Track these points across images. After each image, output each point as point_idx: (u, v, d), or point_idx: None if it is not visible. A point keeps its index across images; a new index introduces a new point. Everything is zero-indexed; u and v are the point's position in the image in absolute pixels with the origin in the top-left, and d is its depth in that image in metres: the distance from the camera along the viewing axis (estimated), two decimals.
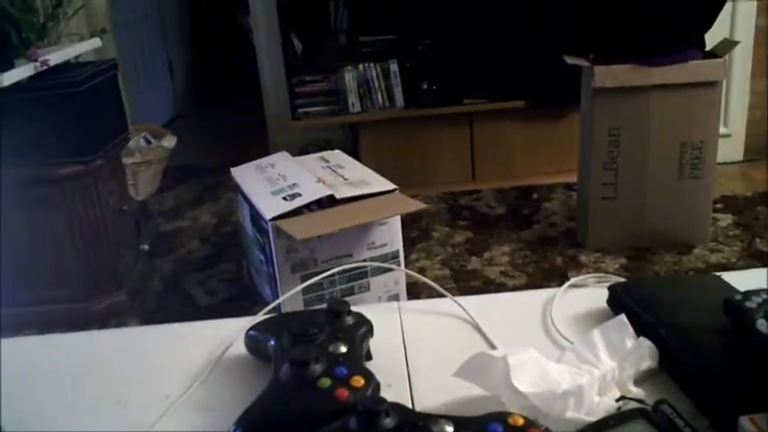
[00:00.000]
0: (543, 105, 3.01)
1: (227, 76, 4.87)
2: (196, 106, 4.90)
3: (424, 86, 2.99)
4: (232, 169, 2.17)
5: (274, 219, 1.77)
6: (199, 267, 2.56)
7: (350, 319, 0.59)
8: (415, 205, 1.92)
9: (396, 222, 1.91)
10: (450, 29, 2.96)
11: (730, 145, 3.26)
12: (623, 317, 0.58)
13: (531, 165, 3.12)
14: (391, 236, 1.91)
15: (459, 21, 2.95)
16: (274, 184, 1.96)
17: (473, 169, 3.16)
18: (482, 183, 3.12)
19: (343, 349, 0.54)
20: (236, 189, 2.11)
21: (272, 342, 0.58)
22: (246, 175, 2.10)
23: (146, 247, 2.58)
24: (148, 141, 3.27)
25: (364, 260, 1.87)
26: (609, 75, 2.27)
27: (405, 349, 0.64)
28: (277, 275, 1.81)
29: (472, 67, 3.01)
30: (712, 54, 2.30)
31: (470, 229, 2.73)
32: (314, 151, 2.78)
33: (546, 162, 3.10)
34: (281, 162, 2.15)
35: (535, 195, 2.98)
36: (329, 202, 1.84)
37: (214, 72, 5.00)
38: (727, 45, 2.30)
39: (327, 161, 2.18)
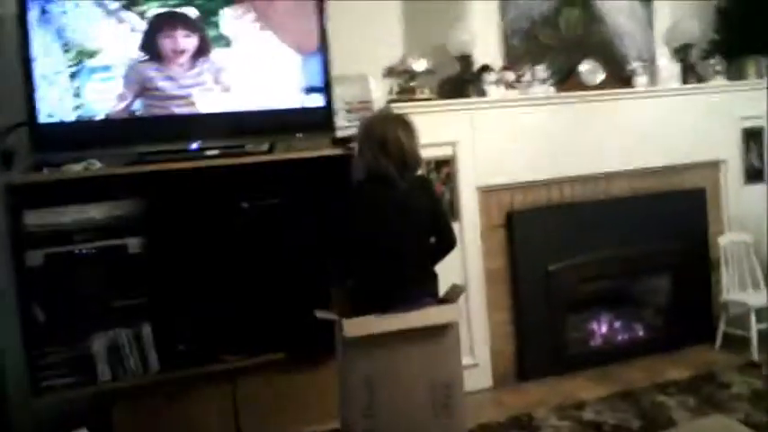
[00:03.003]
0: (303, 356, 3.07)
1: None
2: None
3: (181, 347, 2.93)
4: None
5: None
6: None
7: None
8: None
9: None
10: (203, 288, 3.00)
11: (480, 373, 3.53)
12: None
13: (298, 415, 3.08)
14: None
15: (213, 280, 3.01)
16: None
17: (238, 427, 3.04)
18: None
19: None
20: None
21: None
22: None
23: None
24: None
25: None
26: (357, 325, 2.39)
27: None
28: None
29: (229, 323, 3.02)
30: (446, 300, 2.55)
31: None
32: (64, 426, 2.55)
33: (312, 411, 3.08)
34: None
35: None
36: None
37: None
38: (457, 291, 2.58)
39: None
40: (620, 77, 3.92)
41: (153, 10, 2.92)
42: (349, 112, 3.37)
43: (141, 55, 2.93)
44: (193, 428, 2.98)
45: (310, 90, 3.20)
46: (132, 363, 2.89)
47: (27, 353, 2.80)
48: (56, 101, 2.83)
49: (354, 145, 2.64)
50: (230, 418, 3.04)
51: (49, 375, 2.81)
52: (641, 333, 3.98)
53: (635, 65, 3.93)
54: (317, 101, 3.20)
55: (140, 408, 2.91)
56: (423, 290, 2.51)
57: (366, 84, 3.45)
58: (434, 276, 2.59)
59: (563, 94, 3.73)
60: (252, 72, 3.10)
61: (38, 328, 2.80)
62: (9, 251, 2.79)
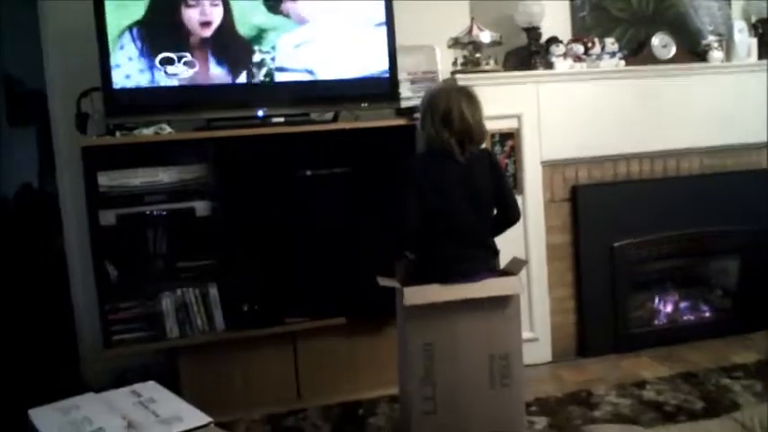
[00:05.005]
0: (363, 321, 3.11)
1: (37, 300, 4.60)
2: None
3: (245, 308, 3.00)
4: (30, 411, 2.01)
5: None
6: None
7: None
8: None
9: None
10: (269, 251, 3.06)
11: (539, 348, 3.50)
12: None
13: (355, 380, 3.14)
14: None
15: (277, 244, 3.07)
16: (78, 428, 1.84)
17: (298, 388, 3.12)
18: (308, 401, 3.09)
19: None
20: None
21: None
22: (47, 419, 1.94)
23: None
24: None
25: None
26: (417, 294, 2.41)
27: None
28: None
29: (292, 286, 3.08)
30: (507, 272, 2.54)
31: None
32: (132, 377, 2.65)
33: (370, 376, 3.14)
34: (86, 404, 2.02)
35: (361, 411, 2.98)
36: None
37: (22, 296, 4.71)
38: (518, 264, 2.55)
39: (140, 395, 2.09)
40: (693, 52, 3.80)
41: None
42: (413, 82, 3.37)
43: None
44: (256, 386, 3.07)
45: (375, 60, 3.21)
46: (199, 321, 2.98)
47: (100, 308, 2.92)
48: (128, 67, 2.92)
49: (417, 116, 2.63)
50: (291, 378, 3.12)
51: (120, 330, 2.92)
52: (708, 315, 3.87)
53: (710, 39, 3.79)
54: (381, 71, 3.21)
55: (206, 364, 3.01)
56: (482, 265, 2.49)
57: (431, 54, 3.43)
58: (495, 252, 2.57)
59: (633, 67, 3.62)
60: (318, 41, 3.12)
61: (110, 284, 2.92)
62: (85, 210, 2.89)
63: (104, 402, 2.04)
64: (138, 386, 2.17)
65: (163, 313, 2.93)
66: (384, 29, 3.21)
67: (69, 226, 3.40)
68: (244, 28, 3.04)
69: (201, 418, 1.88)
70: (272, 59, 3.07)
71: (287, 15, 3.08)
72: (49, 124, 3.47)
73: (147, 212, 2.94)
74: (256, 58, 3.05)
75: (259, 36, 3.06)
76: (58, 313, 3.77)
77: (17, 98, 5.27)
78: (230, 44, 3.03)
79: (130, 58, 2.91)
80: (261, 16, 3.05)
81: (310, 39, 3.11)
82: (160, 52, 2.94)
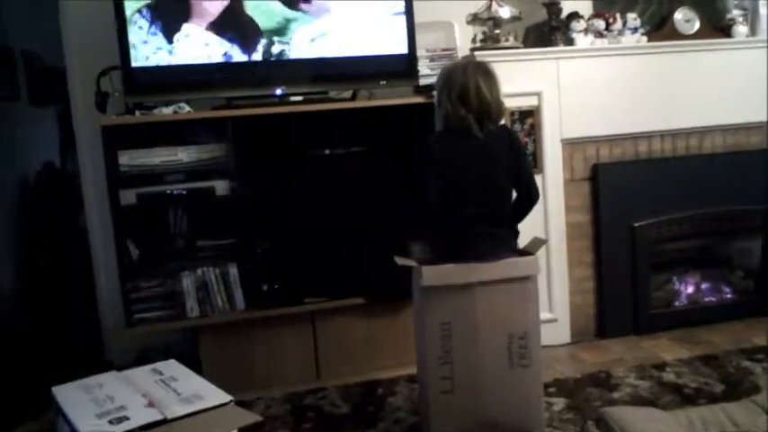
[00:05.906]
0: (381, 301, 3.12)
1: (60, 279, 4.66)
2: (22, 312, 4.60)
3: (265, 288, 3.02)
4: (54, 388, 2.04)
5: None
6: None
7: None
8: (251, 418, 1.88)
9: None
10: (288, 231, 3.07)
11: (558, 328, 3.49)
12: None
13: (374, 359, 3.16)
14: None
15: (296, 224, 3.08)
16: (101, 405, 1.87)
17: (317, 367, 3.14)
18: (327, 380, 3.11)
19: None
20: (58, 411, 1.97)
21: None
22: (70, 396, 1.97)
23: None
24: None
25: None
26: (436, 274, 2.40)
27: None
28: None
29: (312, 266, 3.09)
30: (526, 252, 2.52)
31: (315, 431, 2.67)
32: (153, 356, 2.68)
33: (388, 356, 3.16)
34: (109, 382, 2.05)
35: (380, 390, 2.99)
36: None
37: (44, 275, 4.77)
38: (537, 243, 2.53)
39: (161, 373, 2.11)
40: (717, 27, 3.72)
41: None
42: (432, 60, 3.34)
43: None
44: (276, 366, 3.10)
45: (394, 38, 3.18)
46: (219, 300, 3.00)
47: (122, 287, 2.94)
48: (147, 46, 2.92)
49: (435, 94, 2.61)
50: (310, 357, 3.14)
51: (141, 309, 2.95)
52: (729, 296, 3.83)
53: (735, 13, 3.72)
54: (400, 48, 3.19)
55: (226, 343, 3.04)
56: (500, 244, 2.47)
57: (450, 31, 3.40)
58: (515, 232, 2.56)
59: (655, 43, 3.56)
60: (335, 19, 3.10)
61: (132, 263, 2.95)
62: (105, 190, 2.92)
63: (126, 380, 2.07)
64: (159, 364, 2.20)
65: (183, 292, 2.96)
66: (403, 10, 3.18)
67: (91, 205, 3.43)
68: (260, 18, 3.03)
69: (222, 397, 1.90)
70: (289, 50, 3.07)
71: (305, 12, 3.07)
72: (69, 103, 3.49)
73: (168, 192, 2.95)
74: (275, 49, 3.04)
75: (278, 28, 3.04)
76: (81, 292, 3.83)
77: (37, 76, 5.29)
78: (244, 25, 3.01)
79: (145, 42, 2.91)
80: (276, 7, 3.05)
81: (328, 29, 3.09)
82: (174, 32, 2.94)
